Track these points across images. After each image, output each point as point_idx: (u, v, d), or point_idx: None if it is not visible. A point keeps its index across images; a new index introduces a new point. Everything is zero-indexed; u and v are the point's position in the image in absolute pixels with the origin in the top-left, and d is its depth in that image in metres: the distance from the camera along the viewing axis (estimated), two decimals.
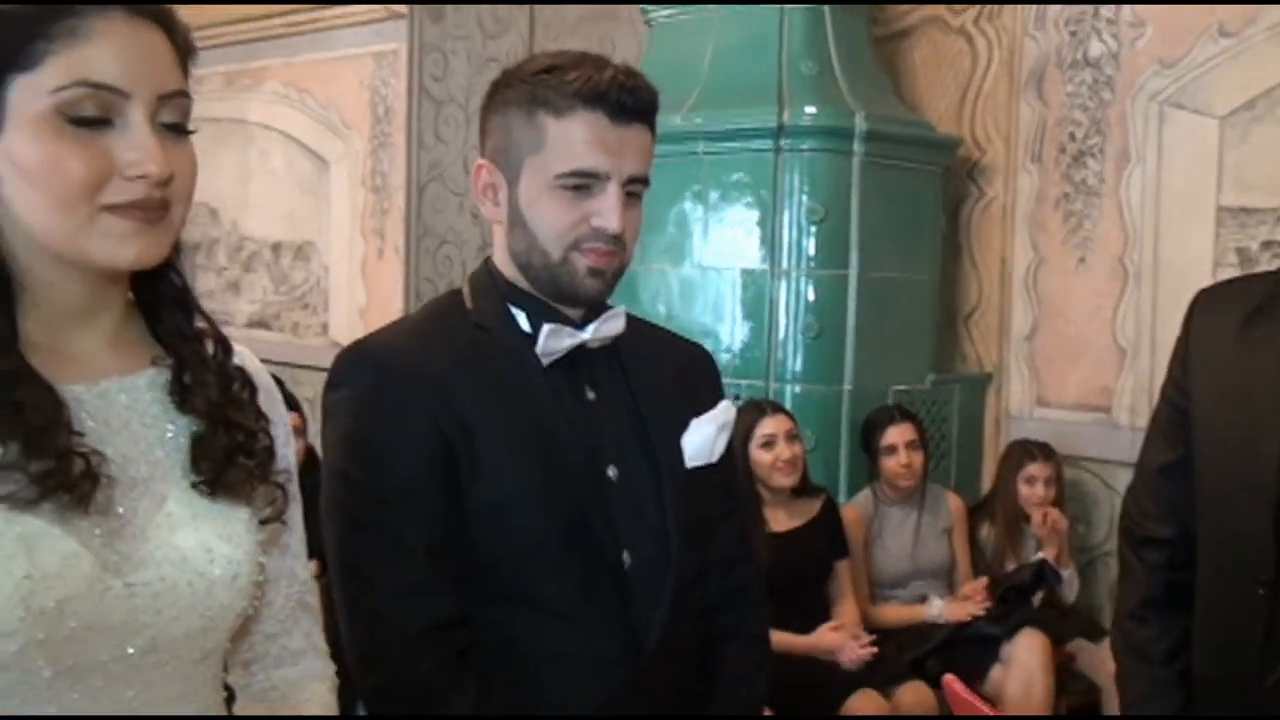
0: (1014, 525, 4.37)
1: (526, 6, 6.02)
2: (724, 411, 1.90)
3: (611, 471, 1.80)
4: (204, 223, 7.84)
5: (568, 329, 1.79)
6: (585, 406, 1.81)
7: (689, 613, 1.84)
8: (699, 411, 1.88)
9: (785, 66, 4.46)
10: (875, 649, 3.93)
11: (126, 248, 1.19)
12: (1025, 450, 4.40)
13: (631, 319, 1.89)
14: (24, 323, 1.21)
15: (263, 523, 1.33)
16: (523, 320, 1.80)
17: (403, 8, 6.56)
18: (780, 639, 3.88)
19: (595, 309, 1.83)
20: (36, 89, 1.14)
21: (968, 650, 4.07)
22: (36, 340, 1.22)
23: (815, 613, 4.06)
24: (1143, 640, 2.00)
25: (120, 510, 1.21)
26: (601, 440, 1.81)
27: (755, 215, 4.44)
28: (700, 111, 4.53)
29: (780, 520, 4.08)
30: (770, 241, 4.40)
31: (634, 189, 1.77)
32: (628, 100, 1.73)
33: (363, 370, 1.76)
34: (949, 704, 3.85)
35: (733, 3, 4.59)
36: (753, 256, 4.45)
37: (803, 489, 4.13)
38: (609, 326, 1.82)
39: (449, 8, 6.35)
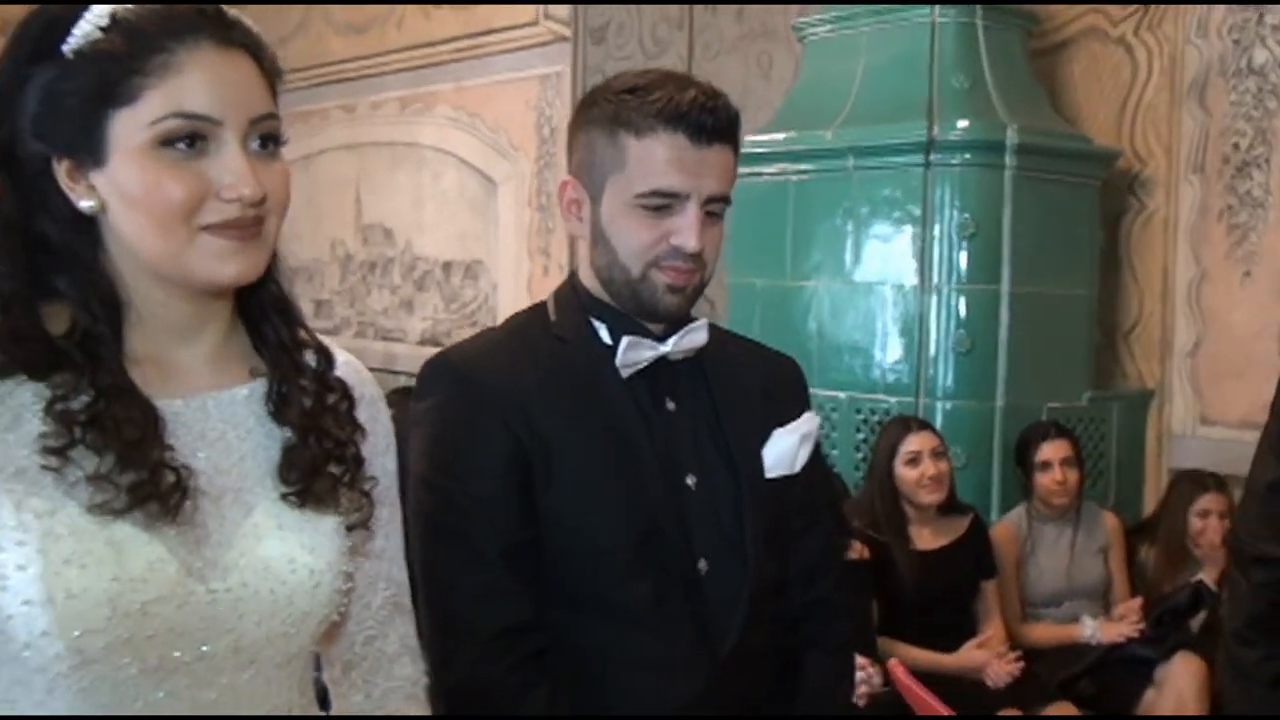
0: (1177, 552, 4.23)
1: (686, 29, 6.09)
2: (806, 422, 1.91)
3: (690, 480, 1.82)
4: (380, 243, 8.09)
5: (647, 341, 1.82)
6: (665, 417, 1.84)
7: (766, 622, 1.85)
8: (783, 422, 1.89)
9: (936, 81, 4.44)
10: (1021, 666, 3.86)
11: (226, 265, 1.25)
12: (1197, 482, 4.26)
13: (717, 330, 1.91)
14: (129, 338, 1.28)
15: (349, 529, 1.37)
16: (604, 333, 1.84)
17: (567, 31, 6.69)
18: (924, 657, 3.87)
19: (678, 322, 1.85)
20: (136, 122, 1.21)
21: (1120, 672, 3.98)
22: (140, 354, 1.29)
23: (961, 632, 4.01)
24: (1247, 661, 1.94)
25: (208, 519, 1.26)
26: (680, 450, 1.83)
27: (906, 231, 4.42)
28: (851, 127, 4.54)
29: (925, 538, 4.05)
30: (921, 257, 4.38)
31: (714, 208, 1.78)
32: (708, 121, 1.74)
33: (444, 381, 1.82)
34: (899, 689, 3.75)
35: (886, 12, 4.58)
36: (903, 272, 4.44)
37: (950, 507, 4.09)
38: (690, 339, 1.85)
39: (610, 30, 6.46)
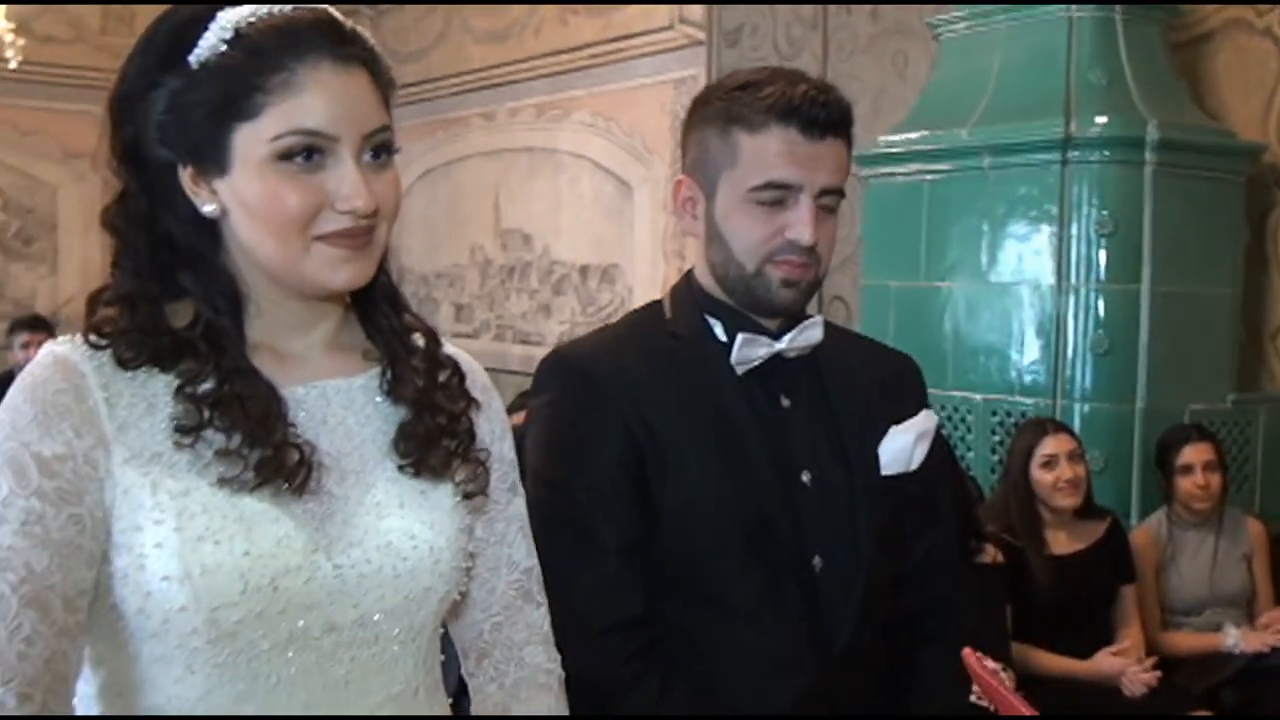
0: None
1: (820, 29, 6.07)
2: (924, 420, 1.89)
3: (805, 477, 1.82)
4: (518, 248, 8.20)
5: (762, 339, 1.82)
6: (780, 413, 1.84)
7: (880, 620, 1.84)
8: (899, 420, 1.88)
9: (1074, 77, 4.35)
10: (1159, 675, 3.77)
11: (338, 273, 1.31)
12: None
13: (831, 328, 1.90)
14: (249, 330, 1.34)
15: (466, 497, 1.41)
16: (719, 330, 1.85)
17: (701, 34, 6.71)
18: (1059, 664, 3.81)
19: (793, 319, 1.85)
20: (258, 137, 1.27)
21: (1265, 682, 3.86)
22: (260, 345, 1.35)
23: (1097, 639, 3.92)
24: None
25: (332, 496, 1.32)
26: (795, 446, 1.83)
27: (1042, 230, 4.35)
28: (987, 126, 4.48)
29: (1061, 543, 3.97)
30: (1058, 256, 4.30)
31: (827, 202, 1.78)
32: (820, 114, 1.75)
33: (560, 377, 1.85)
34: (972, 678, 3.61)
35: (1023, 8, 4.51)
36: (1040, 272, 4.36)
37: (1087, 511, 4.01)
38: (805, 337, 1.84)
39: (745, 33, 6.46)
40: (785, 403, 1.85)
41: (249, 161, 1.27)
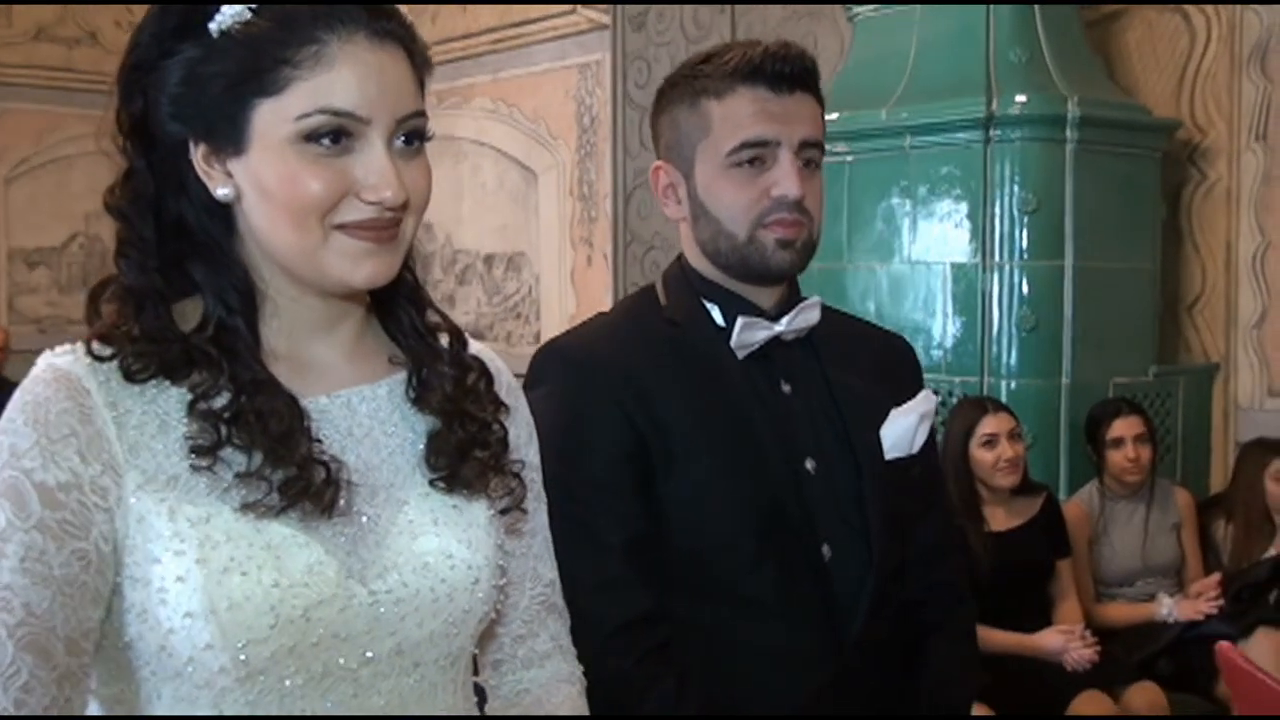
0: (1256, 524, 4.16)
1: (728, 10, 6.02)
2: (924, 401, 1.85)
3: (809, 464, 1.77)
4: (420, 238, 8.03)
5: (762, 321, 1.77)
6: (781, 399, 1.79)
7: (891, 607, 1.80)
8: (899, 402, 1.83)
9: (993, 56, 4.35)
10: (1099, 649, 3.79)
11: (359, 268, 1.20)
12: (1269, 448, 4.19)
13: (828, 310, 1.86)
14: (265, 332, 1.23)
15: (502, 513, 1.32)
16: (716, 314, 1.80)
17: (605, 18, 6.63)
18: (1002, 639, 3.81)
19: (789, 302, 1.80)
20: (282, 114, 1.15)
21: (1199, 650, 3.89)
22: (278, 350, 1.24)
23: (1037, 612, 3.96)
24: None
25: (363, 517, 1.22)
26: (798, 433, 1.78)
27: (965, 208, 4.35)
28: (906, 106, 4.46)
29: (999, 519, 3.97)
30: (981, 234, 4.31)
31: (810, 155, 1.75)
32: (785, 69, 1.72)
33: (556, 368, 1.77)
34: (1224, 673, 3.62)
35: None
36: (963, 250, 4.37)
37: (1023, 487, 4.02)
38: (803, 318, 1.80)
39: (650, 16, 6.39)
40: (785, 388, 1.80)
41: (269, 141, 1.16)
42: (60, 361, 1.17)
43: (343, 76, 1.16)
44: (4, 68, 8.66)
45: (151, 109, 1.19)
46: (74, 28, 8.67)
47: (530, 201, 7.30)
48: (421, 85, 1.25)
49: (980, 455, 3.91)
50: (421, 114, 1.23)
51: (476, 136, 7.61)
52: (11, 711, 1.07)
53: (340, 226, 1.18)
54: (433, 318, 1.35)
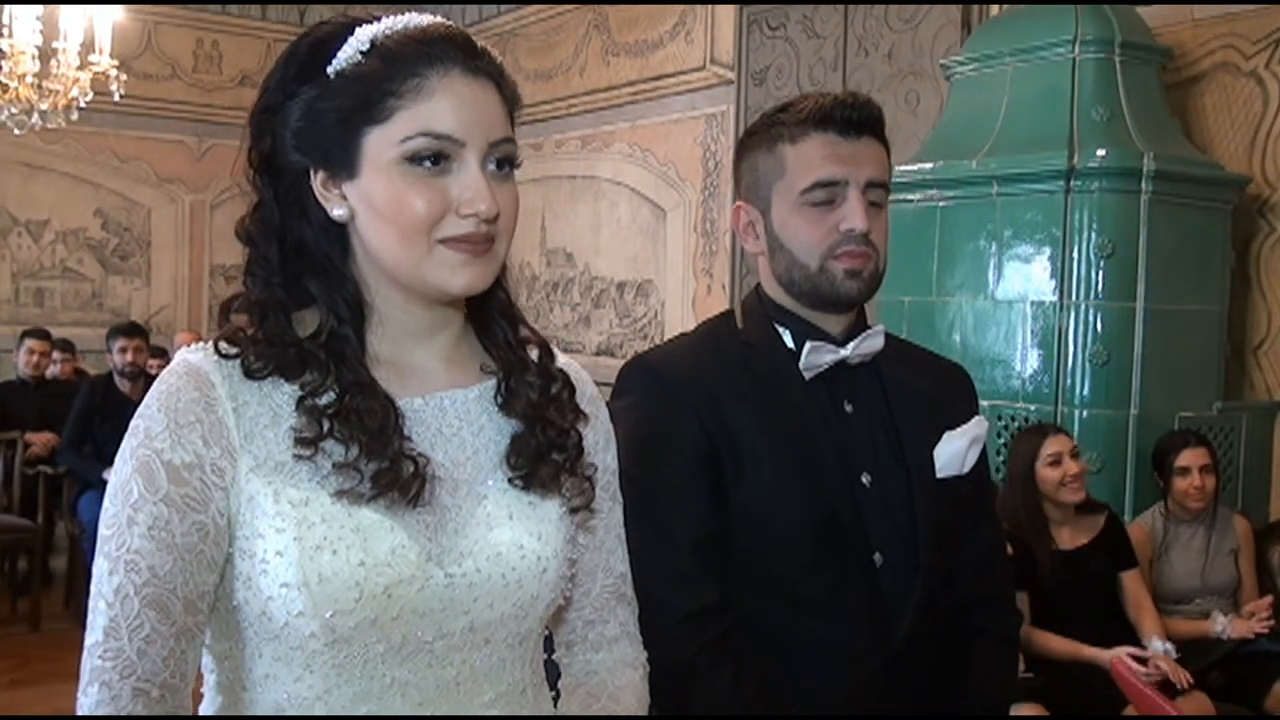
0: None
1: (840, 68, 6.00)
2: (976, 426, 1.81)
3: (865, 478, 1.75)
4: (562, 265, 8.14)
5: (829, 345, 1.76)
6: (843, 417, 1.77)
7: (936, 612, 1.77)
8: (953, 426, 1.80)
9: (1076, 113, 4.28)
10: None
11: (458, 276, 1.22)
12: None
13: (891, 338, 1.84)
14: (371, 339, 1.26)
15: (572, 511, 1.32)
16: (787, 338, 1.79)
17: (731, 74, 6.65)
18: (1063, 646, 3.72)
19: (856, 329, 1.79)
20: (388, 139, 1.18)
21: (1250, 665, 3.77)
22: (383, 357, 1.26)
23: (1106, 624, 3.82)
24: None
25: (444, 508, 1.23)
26: (857, 449, 1.76)
27: (1046, 251, 4.27)
28: (995, 157, 4.40)
29: (1065, 538, 3.88)
30: (1060, 275, 4.22)
31: (875, 196, 1.74)
32: (853, 115, 1.72)
33: (641, 381, 1.77)
34: (1119, 686, 3.53)
35: (1030, 51, 4.44)
36: (1044, 290, 4.28)
37: (1086, 506, 3.92)
38: (868, 344, 1.78)
39: (770, 73, 6.40)
40: (848, 407, 1.78)
41: (378, 164, 1.19)
42: (192, 357, 1.21)
43: (441, 104, 1.19)
44: (214, 109, 8.99)
45: (278, 144, 1.23)
46: None
47: (659, 235, 7.34)
48: (511, 117, 1.26)
49: (1046, 474, 3.82)
50: (511, 140, 1.25)
51: (614, 177, 7.69)
52: (133, 658, 1.11)
53: (443, 241, 1.20)
54: (524, 332, 1.36)
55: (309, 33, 1.25)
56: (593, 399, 1.42)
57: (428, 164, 1.19)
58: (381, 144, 1.19)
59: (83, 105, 6.63)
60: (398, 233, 1.20)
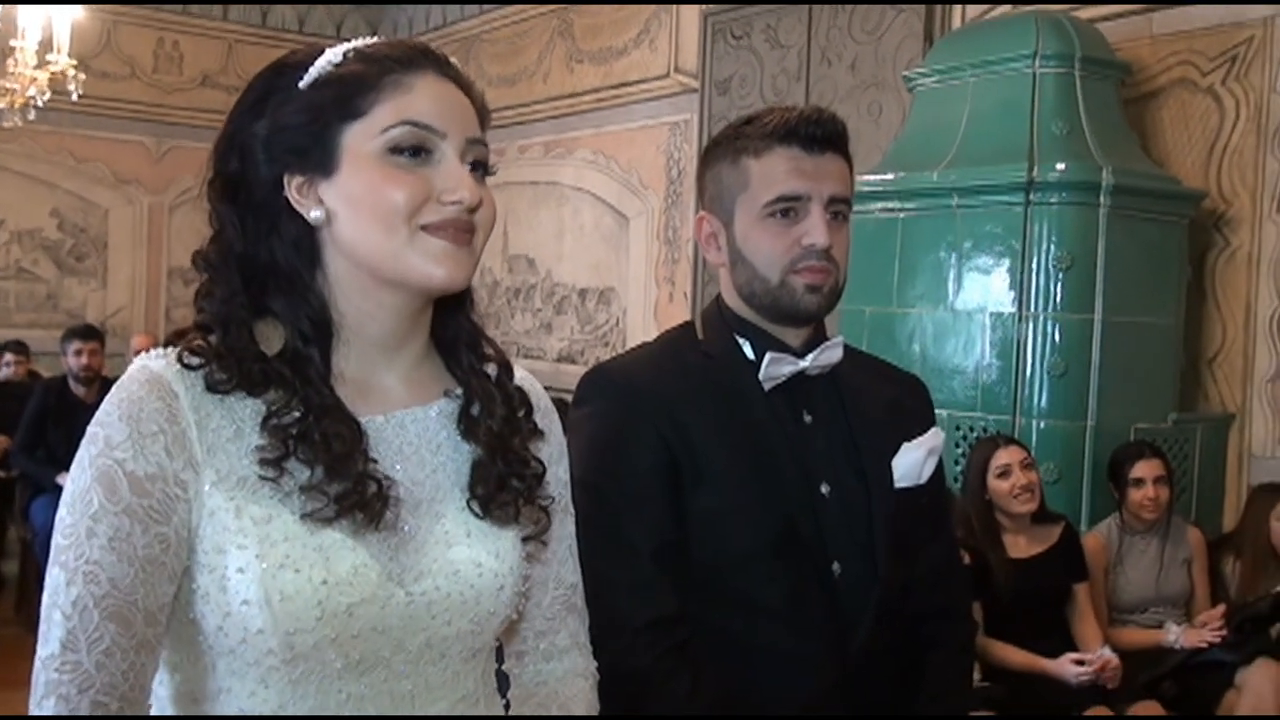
0: (1262, 561, 4.07)
1: (803, 79, 6.03)
2: (933, 437, 1.83)
3: (824, 489, 1.76)
4: (524, 271, 8.13)
5: (788, 357, 1.77)
6: (802, 428, 1.78)
7: (894, 622, 1.78)
8: (910, 437, 1.82)
9: (1036, 127, 4.32)
10: (1100, 674, 3.68)
11: (440, 267, 1.22)
12: (1277, 490, 4.10)
13: (850, 350, 1.85)
14: (336, 360, 1.25)
15: (525, 539, 1.33)
16: (747, 349, 1.79)
17: (695, 83, 6.67)
18: (1019, 658, 3.75)
19: (815, 340, 1.80)
20: (369, 131, 1.20)
21: (1202, 675, 3.82)
22: (347, 375, 1.26)
23: (1055, 633, 3.87)
24: None
25: (405, 527, 1.24)
26: (816, 459, 1.77)
27: (1005, 263, 4.30)
28: (955, 169, 4.44)
29: (1020, 547, 3.91)
30: (1019, 287, 4.26)
31: (838, 209, 1.75)
32: (817, 131, 1.73)
33: (601, 390, 1.78)
34: None
35: (991, 65, 4.48)
36: (1002, 301, 4.32)
37: (1042, 516, 3.96)
38: (827, 355, 1.79)
39: (734, 82, 6.42)
40: (807, 418, 1.79)
41: (359, 157, 1.20)
42: (155, 365, 1.19)
43: (420, 97, 1.22)
44: (174, 110, 8.92)
45: (247, 162, 1.23)
46: (234, 77, 8.89)
47: (621, 243, 7.35)
48: (482, 125, 1.28)
49: (996, 485, 3.87)
50: (485, 144, 1.27)
51: (577, 183, 7.70)
52: (92, 671, 1.09)
53: (424, 227, 1.21)
54: (486, 349, 1.37)
55: (276, 61, 1.27)
56: (546, 412, 1.43)
57: (407, 155, 1.21)
58: (362, 137, 1.20)
59: (40, 104, 6.56)
60: (380, 221, 1.20)
